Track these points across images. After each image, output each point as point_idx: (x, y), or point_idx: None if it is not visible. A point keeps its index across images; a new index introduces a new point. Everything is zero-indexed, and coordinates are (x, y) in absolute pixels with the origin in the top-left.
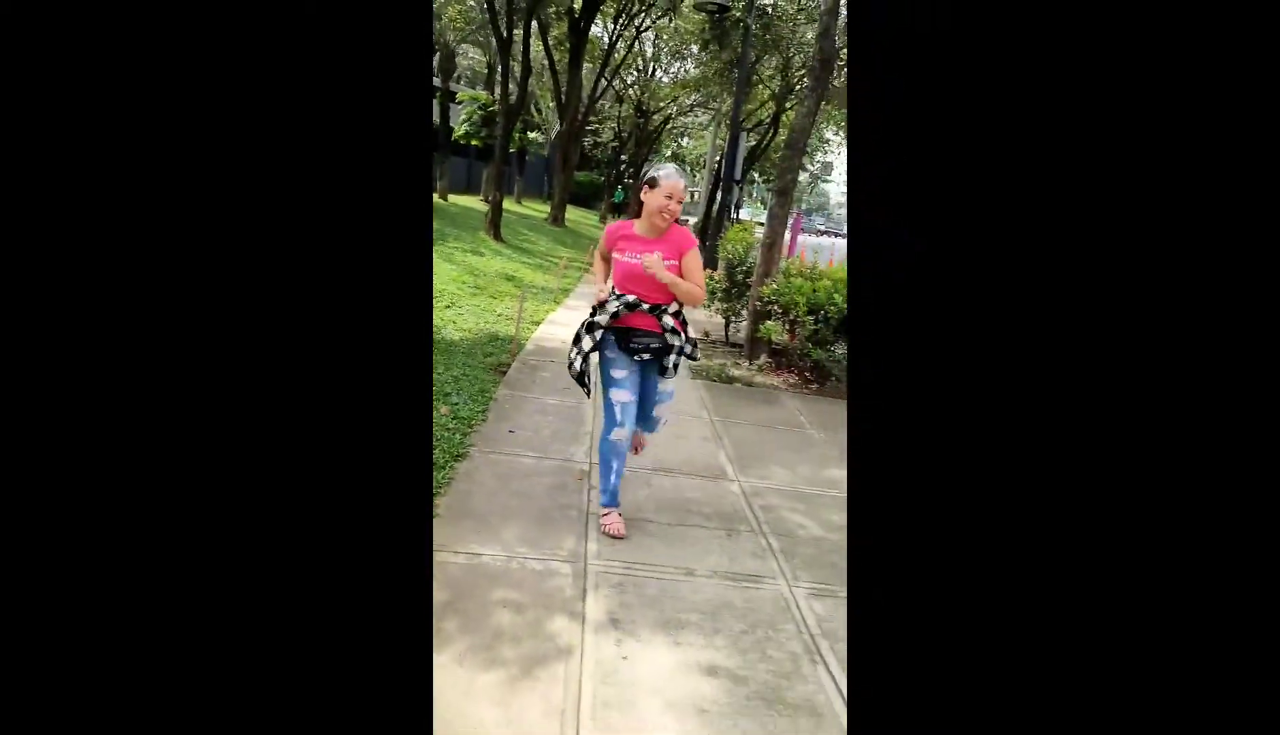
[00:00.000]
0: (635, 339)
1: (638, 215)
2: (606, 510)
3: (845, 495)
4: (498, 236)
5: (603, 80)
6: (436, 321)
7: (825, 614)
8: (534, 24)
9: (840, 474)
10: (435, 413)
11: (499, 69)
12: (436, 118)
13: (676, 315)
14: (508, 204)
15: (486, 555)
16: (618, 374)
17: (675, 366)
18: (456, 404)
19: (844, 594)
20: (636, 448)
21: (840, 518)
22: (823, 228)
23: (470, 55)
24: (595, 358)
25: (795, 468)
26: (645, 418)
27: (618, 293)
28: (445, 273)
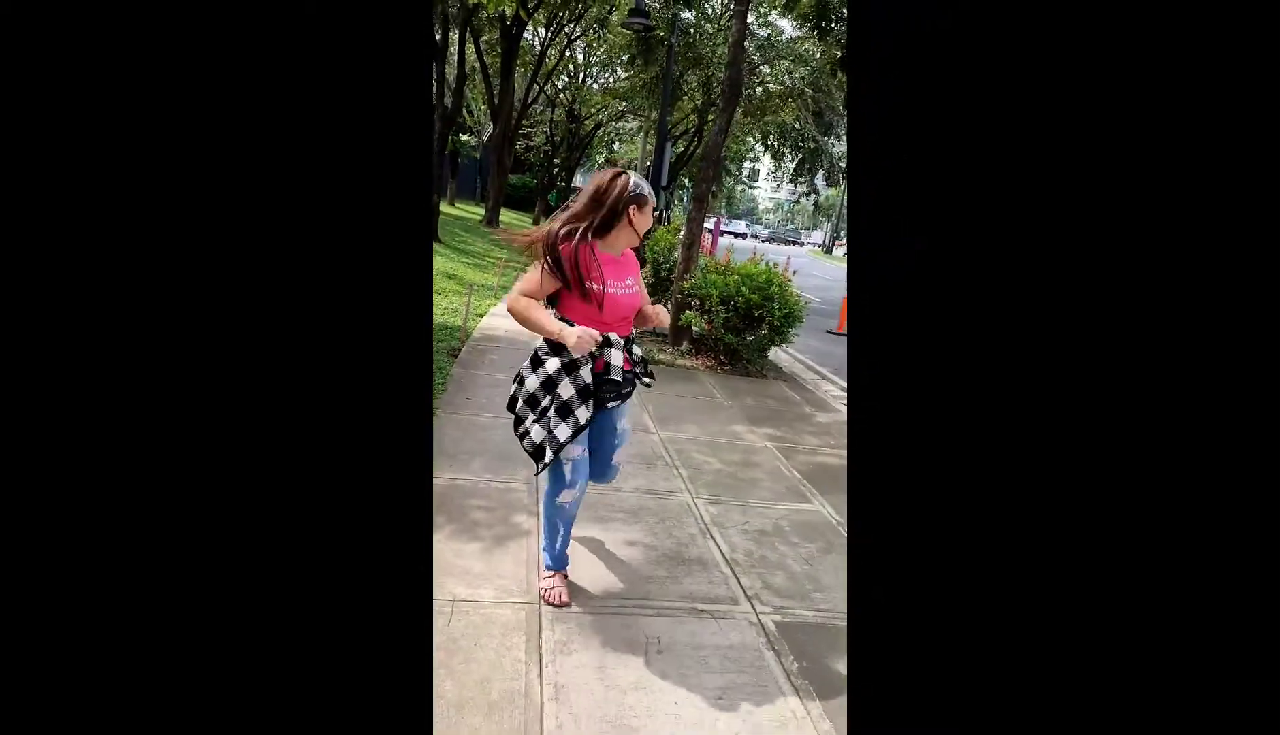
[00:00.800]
0: (607, 385)
1: (597, 228)
2: (550, 573)
3: (741, 442)
4: (435, 238)
5: (535, 85)
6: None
7: (717, 514)
8: (467, 29)
9: (739, 428)
10: None
11: (433, 73)
12: None
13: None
14: (442, 206)
15: (460, 479)
16: (583, 416)
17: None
18: None
19: (733, 501)
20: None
21: (734, 456)
22: (725, 229)
23: None
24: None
25: (705, 425)
26: (604, 468)
27: (594, 335)
28: None
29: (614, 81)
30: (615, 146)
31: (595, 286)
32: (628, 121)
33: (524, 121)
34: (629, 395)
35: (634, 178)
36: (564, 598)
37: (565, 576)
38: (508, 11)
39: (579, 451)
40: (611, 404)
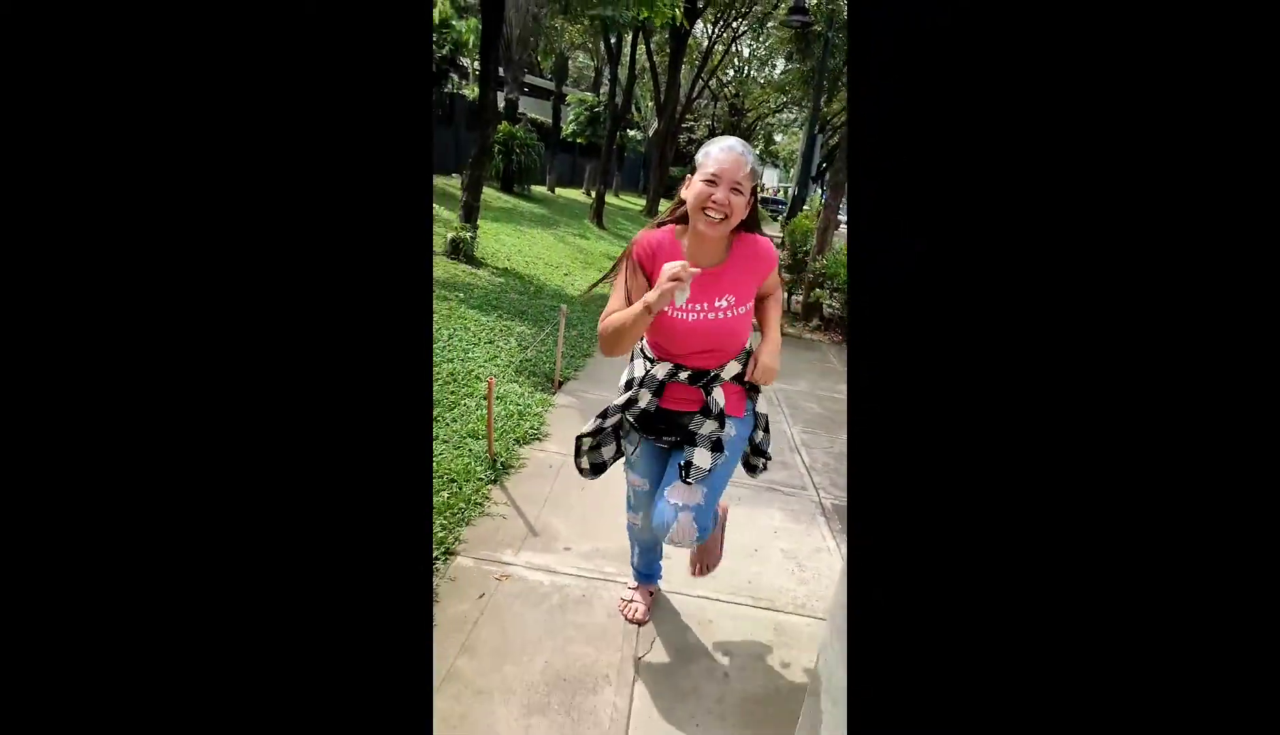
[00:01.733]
0: (664, 424)
1: (679, 216)
2: (634, 584)
3: (845, 398)
4: (600, 224)
5: (700, 81)
6: (559, 283)
7: (807, 439)
8: (639, 32)
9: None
10: (567, 332)
11: (606, 74)
12: (549, 118)
13: (738, 380)
14: (608, 197)
15: (609, 395)
16: (630, 450)
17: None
18: (581, 329)
19: (824, 433)
20: (699, 566)
21: (836, 406)
22: None
23: (580, 59)
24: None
25: (816, 383)
26: (655, 516)
27: (649, 356)
28: (560, 251)
29: (774, 75)
30: (778, 138)
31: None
32: (789, 113)
33: (688, 116)
34: (665, 444)
35: (712, 143)
36: (638, 615)
37: (650, 592)
38: (678, 15)
39: (639, 481)
40: (663, 443)
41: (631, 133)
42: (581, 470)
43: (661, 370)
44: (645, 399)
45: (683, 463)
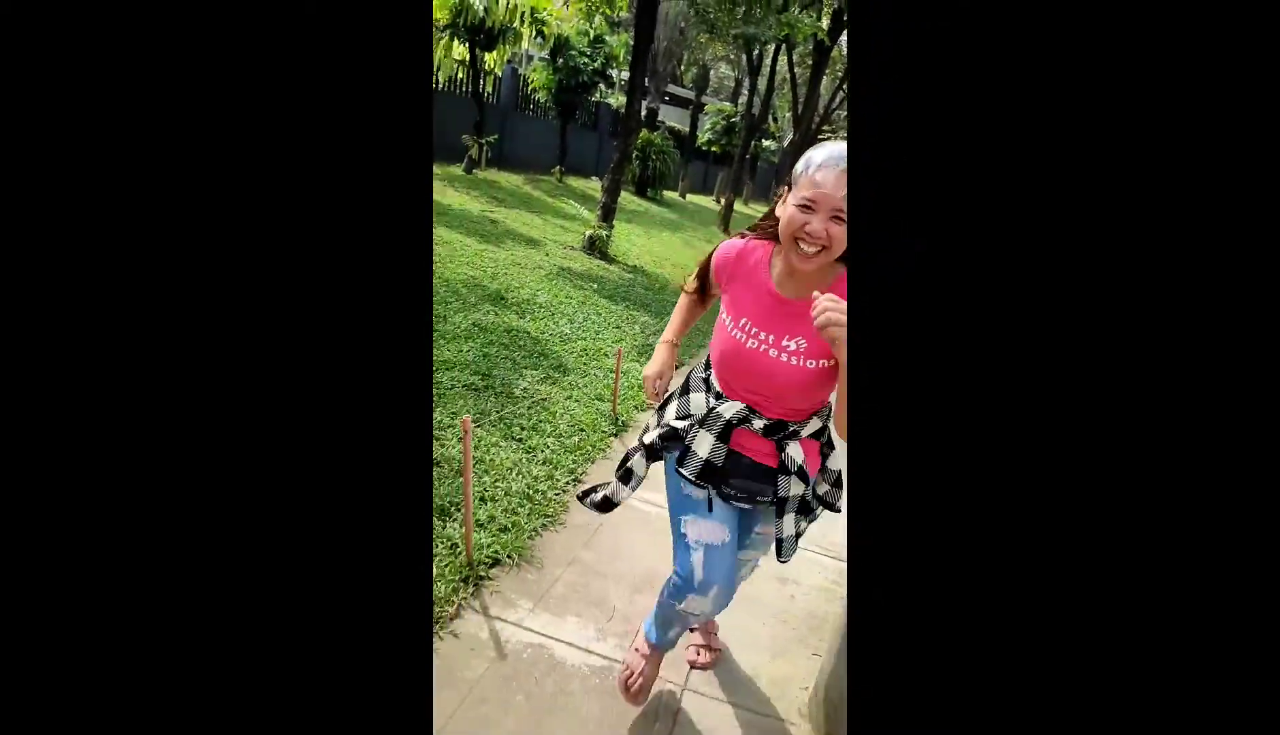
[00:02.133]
0: (733, 478)
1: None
2: (647, 647)
3: None
4: (727, 230)
5: (841, 91)
6: (682, 281)
7: None
8: (783, 44)
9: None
10: None
11: (746, 85)
12: (686, 126)
13: (819, 435)
14: (737, 205)
15: None
16: (696, 492)
17: (795, 529)
18: (696, 323)
19: None
20: (700, 655)
21: None
22: None
23: (721, 70)
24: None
25: None
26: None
27: (717, 389)
28: (686, 254)
29: None
30: None
31: (725, 316)
32: None
33: (825, 127)
34: (749, 504)
35: (818, 148)
36: (638, 687)
37: (659, 659)
38: (821, 30)
39: (717, 532)
40: (740, 503)
41: (766, 143)
42: (589, 501)
43: (730, 410)
44: (707, 446)
45: (775, 540)
